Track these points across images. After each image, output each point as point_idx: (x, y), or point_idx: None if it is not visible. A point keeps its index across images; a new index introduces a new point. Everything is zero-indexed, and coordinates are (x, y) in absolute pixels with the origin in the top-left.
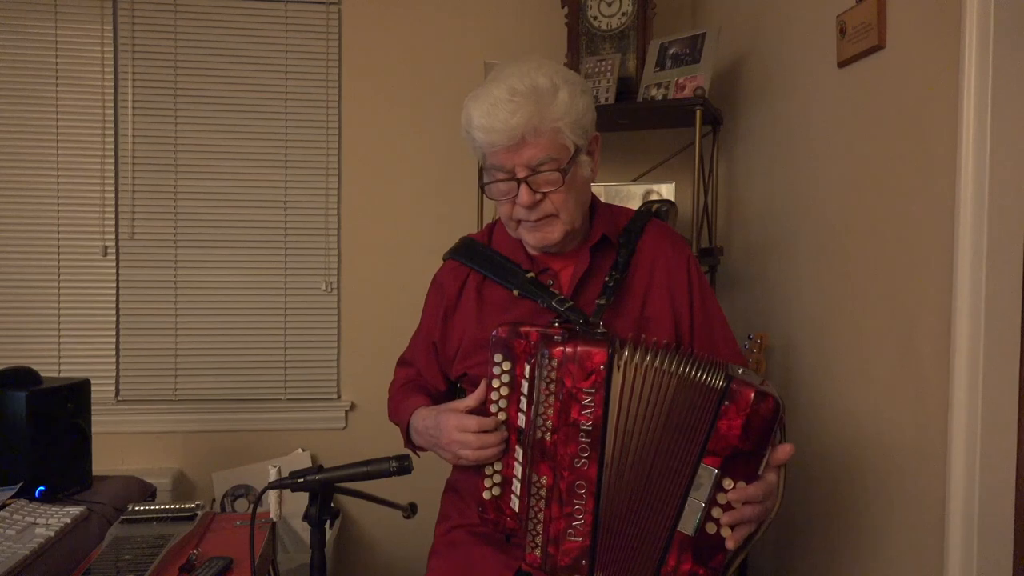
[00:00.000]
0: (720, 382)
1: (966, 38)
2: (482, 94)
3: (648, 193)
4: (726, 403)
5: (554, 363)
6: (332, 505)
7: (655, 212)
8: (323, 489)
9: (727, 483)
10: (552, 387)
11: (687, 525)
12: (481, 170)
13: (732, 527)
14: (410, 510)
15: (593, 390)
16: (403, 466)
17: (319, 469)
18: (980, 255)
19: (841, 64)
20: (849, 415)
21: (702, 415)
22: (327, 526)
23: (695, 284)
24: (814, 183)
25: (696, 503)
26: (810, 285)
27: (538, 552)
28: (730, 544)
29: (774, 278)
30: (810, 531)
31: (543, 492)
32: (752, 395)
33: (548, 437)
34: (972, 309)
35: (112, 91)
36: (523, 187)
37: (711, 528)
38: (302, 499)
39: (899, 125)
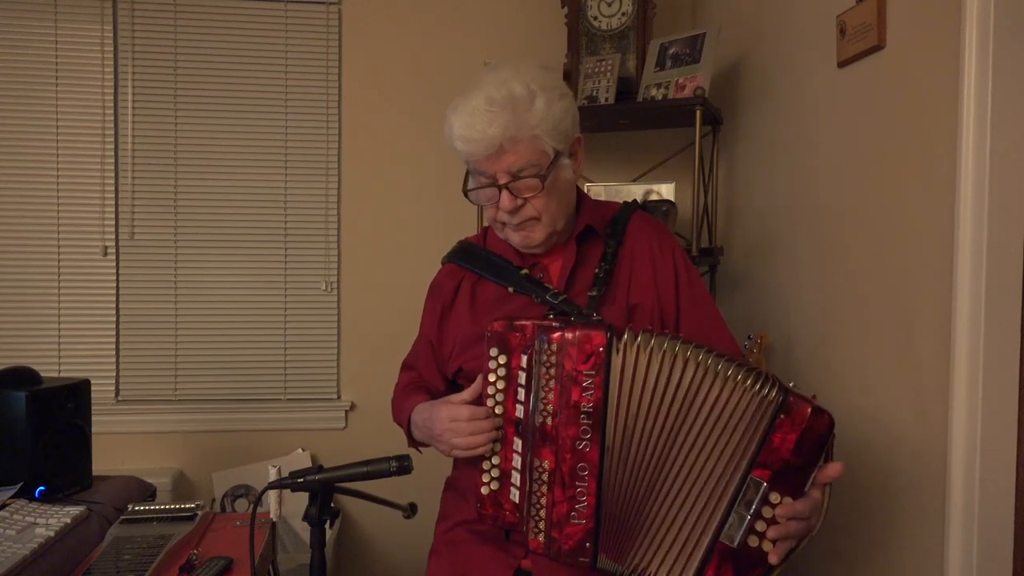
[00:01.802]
0: (775, 394)
1: (966, 38)
2: (461, 104)
3: (648, 193)
4: (782, 416)
5: (553, 347)
6: (332, 505)
7: (642, 205)
8: (323, 489)
9: (774, 497)
10: (552, 371)
11: (731, 536)
12: (467, 175)
13: (774, 542)
14: (410, 510)
15: (593, 372)
16: (403, 466)
17: (319, 469)
18: (980, 255)
19: (841, 64)
20: (849, 415)
21: (754, 425)
22: (327, 526)
23: (682, 273)
24: (814, 183)
25: (742, 515)
26: (810, 285)
27: (541, 537)
28: (773, 559)
29: (774, 278)
30: None
31: (545, 476)
32: (809, 411)
33: (549, 421)
34: (972, 309)
35: (112, 91)
36: (504, 193)
37: (753, 541)
38: (302, 499)
39: (899, 125)
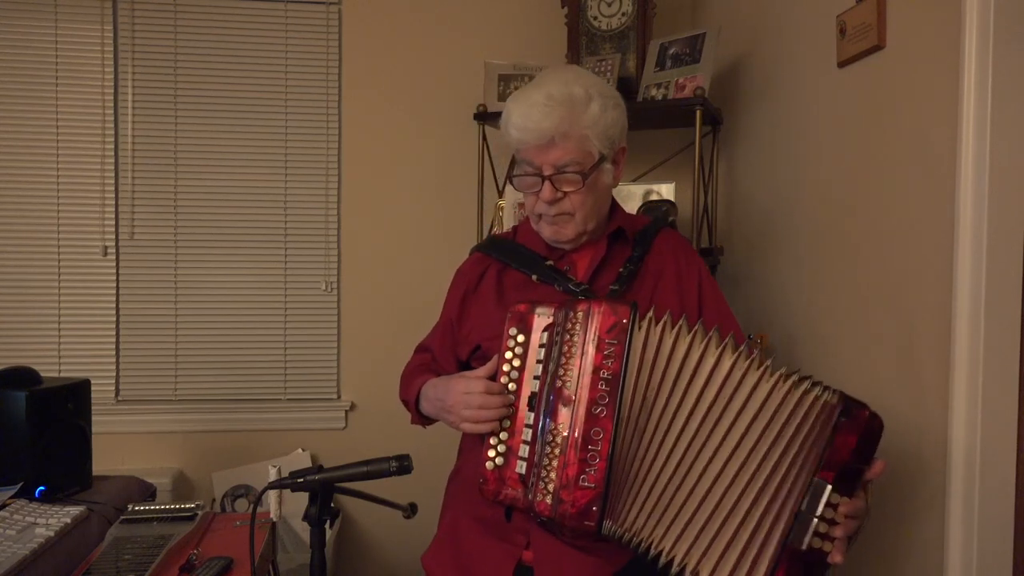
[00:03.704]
0: (835, 398)
1: (966, 38)
2: (522, 96)
3: (648, 193)
4: (843, 419)
5: (579, 316)
6: (332, 505)
7: (670, 223)
8: (323, 489)
9: (835, 498)
10: (575, 338)
11: (800, 539)
12: (512, 162)
13: (833, 541)
14: (410, 510)
15: (615, 341)
16: (403, 466)
17: (319, 469)
18: (980, 254)
19: (841, 64)
20: None
21: (817, 428)
22: (327, 526)
23: (706, 287)
24: (814, 183)
25: (808, 517)
26: (810, 285)
27: (549, 499)
28: (838, 558)
29: (774, 278)
30: None
31: (559, 439)
32: (867, 414)
33: (568, 386)
34: (972, 309)
35: (112, 91)
36: (546, 184)
37: (817, 543)
38: (302, 499)
39: (899, 125)
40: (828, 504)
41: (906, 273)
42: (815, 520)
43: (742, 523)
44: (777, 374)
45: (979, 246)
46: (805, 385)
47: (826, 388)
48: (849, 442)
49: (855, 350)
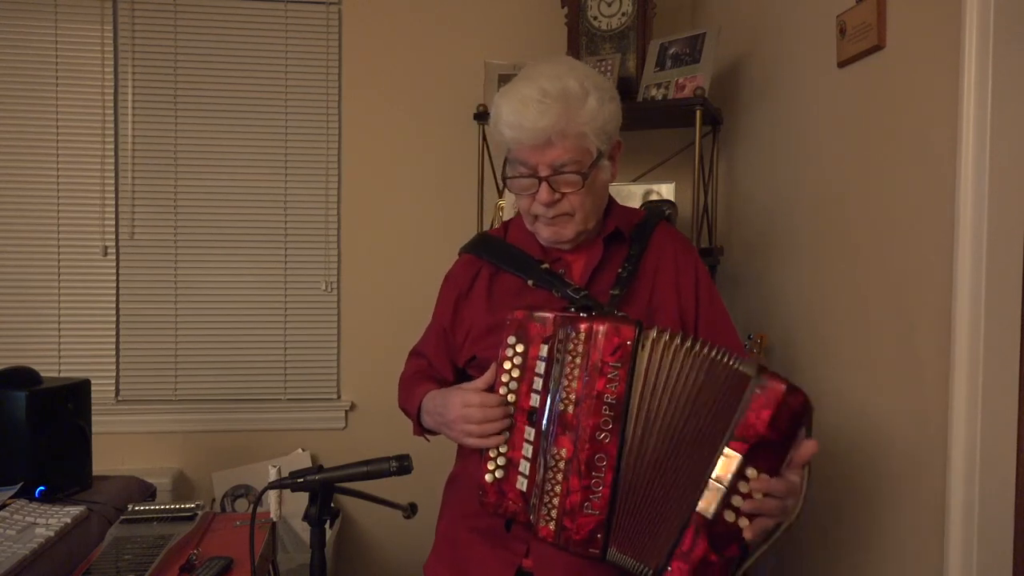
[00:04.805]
0: (752, 371)
1: (966, 38)
2: (512, 92)
3: (648, 193)
4: (757, 391)
5: (581, 336)
6: (332, 505)
7: (666, 216)
8: (323, 489)
9: (750, 472)
10: (577, 360)
11: (706, 507)
12: (505, 162)
13: (750, 518)
14: (410, 510)
15: (619, 364)
16: (403, 466)
17: (319, 469)
18: (980, 254)
19: (841, 64)
20: (849, 415)
21: (731, 400)
22: (327, 526)
23: (703, 284)
24: (814, 183)
25: (717, 486)
26: (810, 285)
27: (552, 526)
28: (747, 534)
29: (774, 278)
30: (809, 530)
31: (561, 464)
32: (784, 388)
33: (571, 410)
34: (972, 309)
35: (112, 91)
36: (544, 186)
37: (729, 516)
38: (302, 499)
39: (899, 125)
40: (743, 478)
41: (906, 273)
42: (722, 489)
43: (666, 494)
44: (697, 350)
45: (979, 246)
46: (722, 357)
47: (754, 364)
48: (763, 416)
49: (855, 350)
